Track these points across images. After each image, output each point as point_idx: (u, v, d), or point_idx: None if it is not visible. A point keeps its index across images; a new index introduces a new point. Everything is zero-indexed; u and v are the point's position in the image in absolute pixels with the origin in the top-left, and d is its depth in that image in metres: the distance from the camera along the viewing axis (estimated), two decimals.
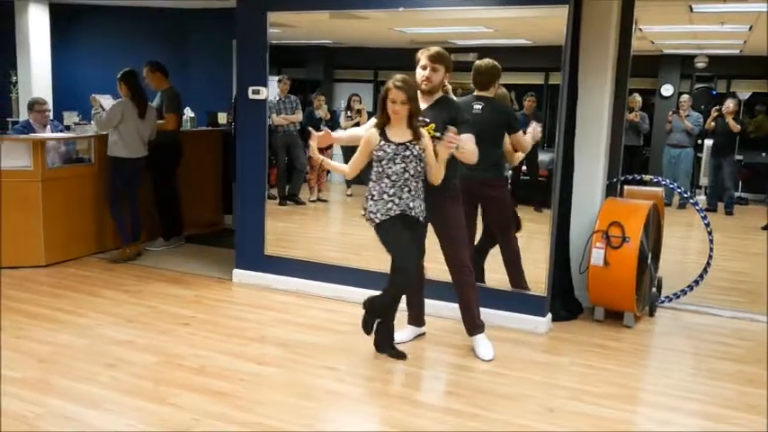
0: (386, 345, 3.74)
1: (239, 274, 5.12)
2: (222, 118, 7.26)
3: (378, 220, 3.53)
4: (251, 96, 4.89)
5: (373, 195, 3.53)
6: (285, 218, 5.97)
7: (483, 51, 4.24)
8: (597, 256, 4.24)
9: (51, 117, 6.23)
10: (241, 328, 4.15)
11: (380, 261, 4.73)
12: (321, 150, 3.71)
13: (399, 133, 3.50)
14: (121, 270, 5.36)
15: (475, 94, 4.12)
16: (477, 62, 4.10)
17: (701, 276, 4.82)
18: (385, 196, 3.51)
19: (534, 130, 4.13)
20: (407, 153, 3.48)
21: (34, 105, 5.91)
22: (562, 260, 4.46)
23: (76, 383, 3.29)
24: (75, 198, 5.56)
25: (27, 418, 2.93)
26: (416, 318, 4.02)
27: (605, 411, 3.16)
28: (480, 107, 4.04)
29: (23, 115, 7.21)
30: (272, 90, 5.19)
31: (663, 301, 4.80)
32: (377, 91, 7.43)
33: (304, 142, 6.36)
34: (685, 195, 5.49)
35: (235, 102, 5.54)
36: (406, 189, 3.52)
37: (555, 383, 3.46)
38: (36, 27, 7.56)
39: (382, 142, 3.50)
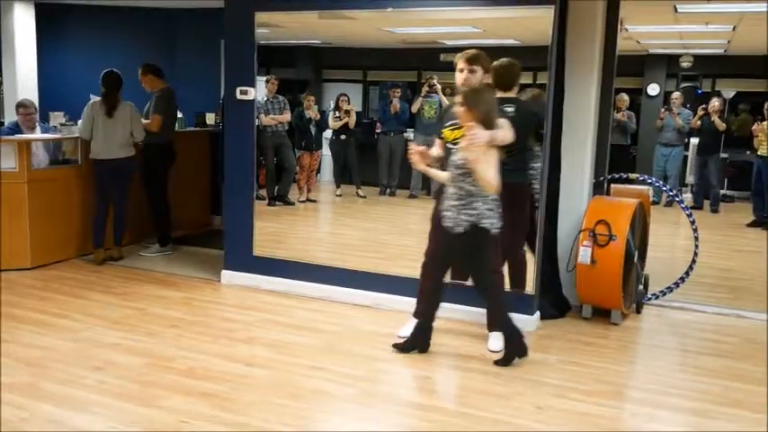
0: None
1: (228, 275, 5.10)
2: (210, 118, 7.23)
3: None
4: (239, 97, 4.88)
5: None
6: (274, 218, 5.97)
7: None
8: (584, 254, 4.27)
9: (38, 119, 6.16)
10: (229, 329, 4.14)
11: (368, 262, 4.75)
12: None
13: None
14: (109, 272, 5.33)
15: (499, 95, 3.90)
16: (496, 63, 3.93)
17: (687, 273, 4.86)
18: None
19: None
20: (452, 158, 3.54)
21: (19, 108, 5.83)
22: (550, 258, 4.48)
23: (63, 387, 3.26)
24: (62, 199, 5.51)
25: (13, 422, 2.91)
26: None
27: (593, 408, 3.18)
28: (513, 109, 3.87)
29: (9, 116, 7.14)
30: (260, 90, 5.19)
31: (649, 299, 4.84)
32: (366, 91, 7.46)
33: (292, 142, 6.39)
34: (671, 194, 5.52)
35: (223, 102, 5.52)
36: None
37: (543, 381, 3.48)
38: (21, 27, 7.48)
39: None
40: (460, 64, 3.71)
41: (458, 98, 3.49)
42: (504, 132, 3.50)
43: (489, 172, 3.38)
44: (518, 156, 3.93)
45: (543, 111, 4.10)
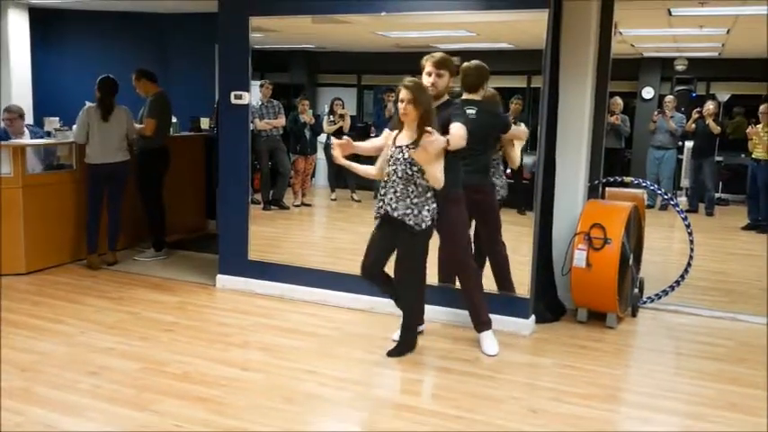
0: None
1: (223, 280, 5.09)
2: (205, 123, 7.22)
3: (374, 216, 3.67)
4: (233, 101, 4.88)
5: (377, 195, 3.67)
6: (269, 223, 5.95)
7: (466, 55, 4.24)
8: (579, 257, 4.27)
9: (30, 123, 6.13)
10: (224, 333, 4.13)
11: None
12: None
13: (407, 136, 3.56)
14: (103, 277, 5.31)
15: (464, 97, 4.01)
16: (465, 64, 4.01)
17: (682, 277, 4.87)
18: (379, 196, 3.63)
19: (519, 130, 4.18)
20: (399, 156, 3.54)
21: (4, 113, 5.80)
22: (545, 262, 4.48)
23: (58, 391, 3.25)
24: (57, 205, 5.50)
25: (7, 426, 2.89)
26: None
27: (587, 411, 3.18)
28: (474, 111, 3.92)
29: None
30: (254, 95, 5.18)
31: (645, 302, 4.84)
32: (360, 95, 7.47)
33: (287, 146, 6.39)
34: (666, 197, 5.53)
35: (217, 106, 5.52)
36: (392, 191, 3.57)
37: (538, 384, 3.48)
38: (15, 31, 7.48)
39: (390, 143, 3.61)
40: (428, 67, 3.70)
41: (402, 93, 3.49)
42: (458, 138, 3.53)
43: (440, 172, 3.48)
44: (480, 157, 3.98)
45: (501, 114, 4.25)
